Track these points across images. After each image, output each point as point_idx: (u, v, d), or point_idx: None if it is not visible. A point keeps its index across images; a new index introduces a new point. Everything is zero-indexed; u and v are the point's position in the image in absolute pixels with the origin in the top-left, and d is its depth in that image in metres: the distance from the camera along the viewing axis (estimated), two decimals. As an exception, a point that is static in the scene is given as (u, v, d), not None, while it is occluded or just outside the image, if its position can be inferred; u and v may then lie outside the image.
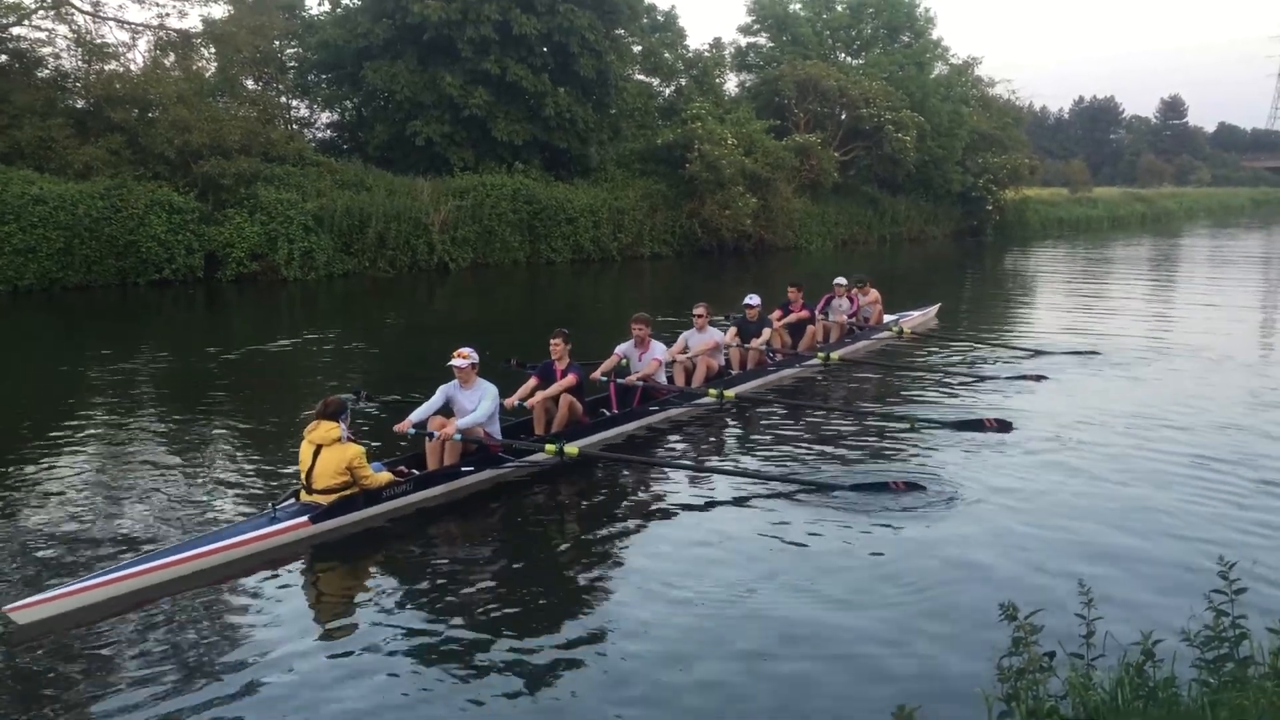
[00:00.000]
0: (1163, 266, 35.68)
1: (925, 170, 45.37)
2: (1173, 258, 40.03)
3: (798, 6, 49.28)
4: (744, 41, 48.16)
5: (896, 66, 45.14)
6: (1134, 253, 42.48)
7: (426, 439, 8.27)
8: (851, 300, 15.84)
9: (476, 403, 8.49)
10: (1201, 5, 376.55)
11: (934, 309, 18.83)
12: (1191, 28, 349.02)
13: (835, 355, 13.89)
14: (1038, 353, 14.69)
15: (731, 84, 45.85)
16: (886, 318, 16.72)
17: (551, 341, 9.65)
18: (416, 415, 8.40)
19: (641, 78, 40.11)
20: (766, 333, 13.17)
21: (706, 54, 42.81)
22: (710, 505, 8.04)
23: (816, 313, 14.82)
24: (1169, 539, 7.14)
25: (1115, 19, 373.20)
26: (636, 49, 38.44)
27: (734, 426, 11.00)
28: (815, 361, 13.69)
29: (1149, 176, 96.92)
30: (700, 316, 11.99)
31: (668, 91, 41.74)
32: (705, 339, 11.97)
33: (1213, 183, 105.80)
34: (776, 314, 14.13)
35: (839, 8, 49.73)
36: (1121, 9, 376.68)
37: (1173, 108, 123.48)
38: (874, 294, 16.39)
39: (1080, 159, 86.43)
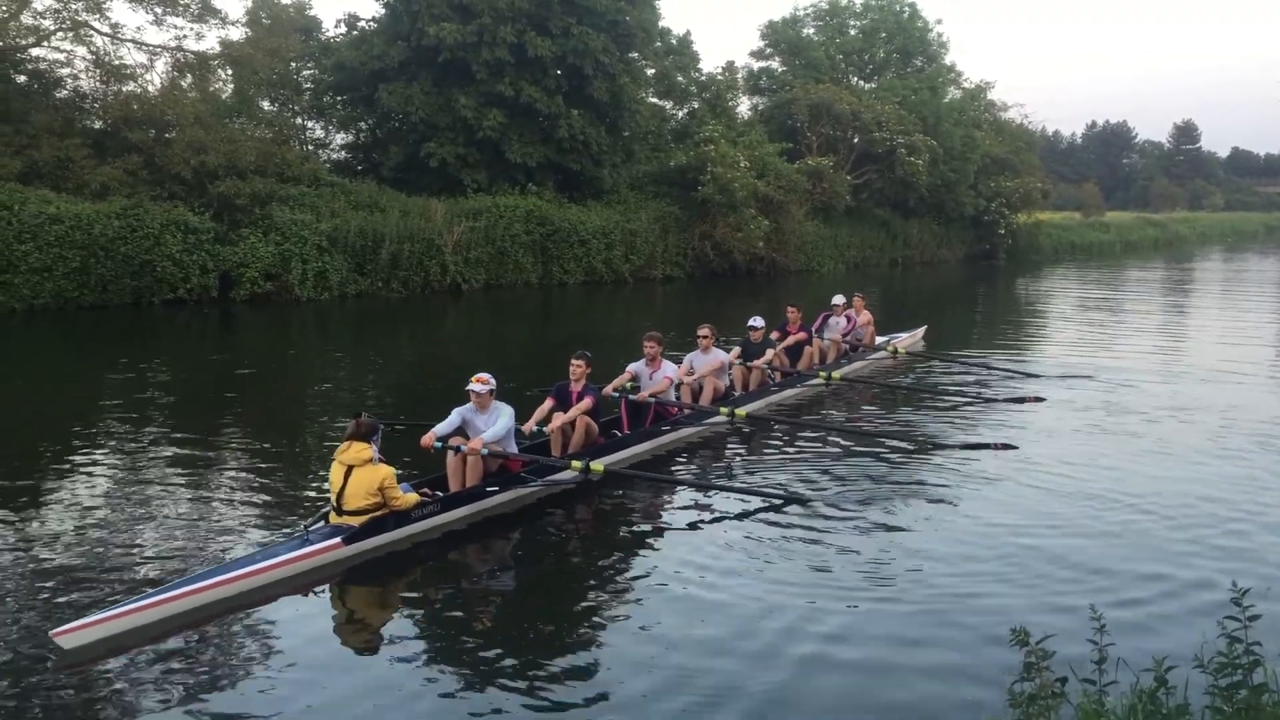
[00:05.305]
0: (1172, 290, 35.54)
1: (937, 194, 45.38)
2: (1183, 282, 39.85)
3: (810, 31, 49.56)
4: (756, 66, 48.47)
5: (909, 90, 45.20)
6: (1145, 276, 42.35)
7: (452, 452, 8.31)
8: (848, 319, 16.12)
9: (493, 424, 8.52)
10: (1215, 31, 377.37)
11: (921, 330, 19.15)
12: (1205, 53, 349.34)
13: (836, 374, 14.12)
14: (1038, 375, 14.82)
15: (744, 107, 45.99)
16: (878, 339, 17.03)
17: (573, 362, 9.66)
18: (439, 431, 8.45)
19: (655, 100, 40.27)
20: (769, 353, 13.37)
21: (720, 77, 42.97)
22: (730, 524, 8.03)
23: (813, 332, 15.07)
24: (1181, 564, 7.08)
25: (1128, 44, 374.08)
26: (650, 72, 38.64)
27: (747, 445, 11.04)
28: (817, 381, 13.91)
29: (1162, 201, 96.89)
30: (705, 338, 12.08)
31: (681, 114, 41.88)
32: (710, 360, 12.03)
33: (1226, 208, 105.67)
34: (775, 334, 14.28)
35: (851, 32, 49.98)
36: (1134, 34, 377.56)
37: (1186, 132, 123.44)
38: (867, 315, 16.74)
39: (1093, 183, 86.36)
